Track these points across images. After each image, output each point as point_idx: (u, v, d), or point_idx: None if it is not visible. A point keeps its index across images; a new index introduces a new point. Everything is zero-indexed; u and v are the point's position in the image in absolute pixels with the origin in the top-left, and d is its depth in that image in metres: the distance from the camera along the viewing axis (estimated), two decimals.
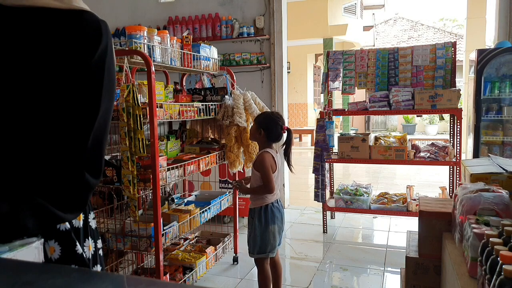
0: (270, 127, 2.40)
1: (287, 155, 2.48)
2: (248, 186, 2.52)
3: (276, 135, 2.43)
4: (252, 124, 2.59)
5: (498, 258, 1.00)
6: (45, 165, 0.88)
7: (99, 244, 1.12)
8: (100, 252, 1.13)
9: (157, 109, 2.17)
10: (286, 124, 2.30)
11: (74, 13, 0.89)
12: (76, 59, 0.88)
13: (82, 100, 0.89)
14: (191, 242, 3.19)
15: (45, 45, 0.87)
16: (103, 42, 0.91)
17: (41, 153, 0.88)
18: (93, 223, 1.10)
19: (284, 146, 2.47)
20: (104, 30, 0.92)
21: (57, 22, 0.88)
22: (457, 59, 3.77)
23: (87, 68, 0.89)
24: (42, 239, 0.80)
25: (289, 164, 2.51)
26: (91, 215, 1.10)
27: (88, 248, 1.06)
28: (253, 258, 2.46)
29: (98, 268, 1.10)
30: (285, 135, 2.47)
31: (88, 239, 1.06)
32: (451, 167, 3.82)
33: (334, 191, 4.26)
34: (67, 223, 0.98)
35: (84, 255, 1.02)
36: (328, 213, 4.20)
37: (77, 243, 0.99)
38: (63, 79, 0.87)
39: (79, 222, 1.03)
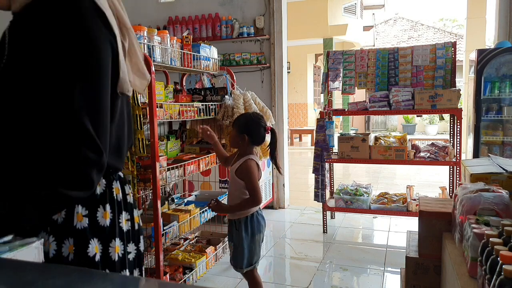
0: (253, 130, 2.19)
1: (273, 157, 2.30)
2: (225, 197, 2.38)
3: (260, 138, 2.23)
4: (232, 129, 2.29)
5: (498, 258, 1.00)
6: (43, 139, 0.89)
7: (131, 248, 1.10)
8: (131, 256, 1.10)
9: (157, 109, 2.17)
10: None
11: None
12: (52, 27, 0.89)
13: (59, 73, 0.88)
14: (191, 242, 3.20)
15: (33, 33, 0.90)
16: (75, 7, 0.90)
17: (38, 130, 0.89)
18: (124, 225, 1.07)
19: (269, 148, 2.29)
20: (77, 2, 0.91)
21: (40, 9, 0.91)
22: (457, 59, 3.77)
23: (64, 33, 0.89)
24: (42, 239, 0.80)
25: (277, 166, 2.32)
26: (123, 216, 1.08)
27: (114, 249, 1.03)
28: (242, 269, 2.26)
29: (127, 272, 1.08)
30: (268, 136, 2.28)
31: (115, 240, 1.04)
32: (451, 167, 3.82)
33: (334, 191, 4.26)
34: (84, 221, 0.98)
35: (96, 258, 1.00)
36: (328, 213, 4.20)
37: (89, 245, 0.98)
38: (45, 53, 0.89)
39: (105, 220, 1.02)
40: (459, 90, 3.57)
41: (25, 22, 0.91)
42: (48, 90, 0.88)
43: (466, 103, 5.08)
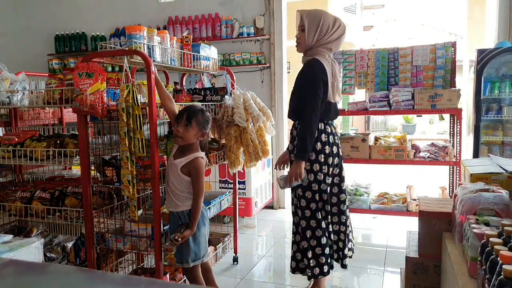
0: (208, 127, 2.19)
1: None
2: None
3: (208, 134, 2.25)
4: (184, 124, 2.12)
5: (498, 258, 1.00)
6: None
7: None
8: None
9: (157, 109, 2.17)
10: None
11: None
12: None
13: None
14: None
15: None
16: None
17: None
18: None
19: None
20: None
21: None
22: (457, 59, 3.78)
23: None
24: (42, 239, 0.80)
25: None
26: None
27: None
28: (189, 263, 2.21)
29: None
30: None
31: None
32: (451, 167, 3.82)
33: None
34: None
35: None
36: None
37: None
38: None
39: None
40: (459, 90, 3.57)
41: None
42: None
43: (466, 103, 5.08)
